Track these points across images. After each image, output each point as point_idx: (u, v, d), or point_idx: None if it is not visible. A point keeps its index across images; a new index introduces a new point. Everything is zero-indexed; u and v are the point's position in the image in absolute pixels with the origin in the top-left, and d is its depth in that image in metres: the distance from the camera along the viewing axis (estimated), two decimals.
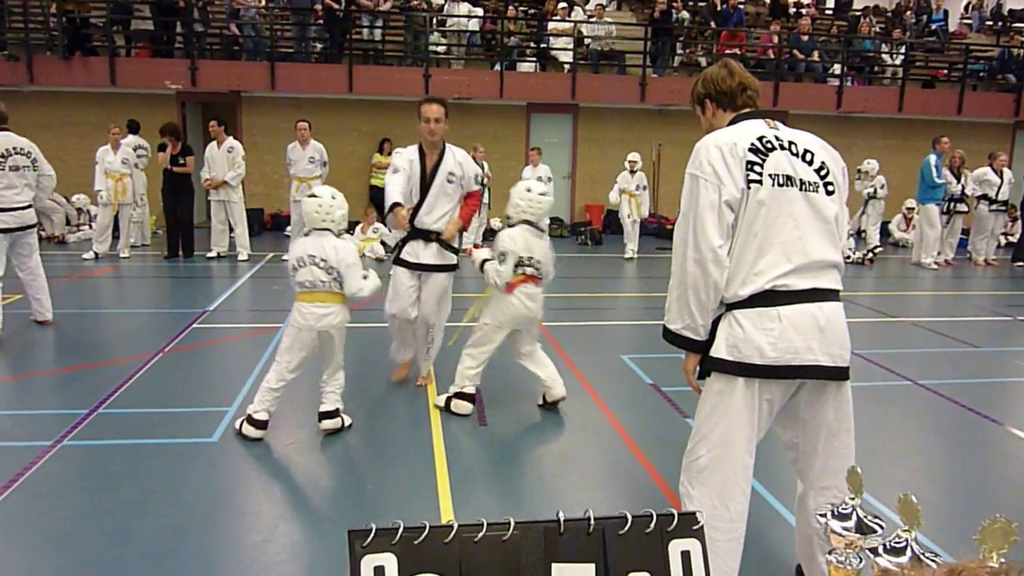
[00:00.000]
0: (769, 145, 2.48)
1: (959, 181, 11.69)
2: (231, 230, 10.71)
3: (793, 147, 2.51)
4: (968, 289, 10.27)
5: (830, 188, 2.52)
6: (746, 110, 2.65)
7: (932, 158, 11.26)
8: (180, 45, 13.49)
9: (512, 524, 1.14)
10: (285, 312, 7.39)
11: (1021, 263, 12.08)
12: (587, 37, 14.60)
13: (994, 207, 11.93)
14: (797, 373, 2.45)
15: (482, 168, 11.76)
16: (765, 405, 2.50)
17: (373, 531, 1.10)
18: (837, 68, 15.08)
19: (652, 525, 1.19)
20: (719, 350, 2.49)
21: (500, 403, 5.04)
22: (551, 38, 14.63)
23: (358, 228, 11.54)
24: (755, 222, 2.43)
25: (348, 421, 4.52)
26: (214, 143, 10.46)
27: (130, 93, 13.18)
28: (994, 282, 10.92)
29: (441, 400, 4.92)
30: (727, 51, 15.01)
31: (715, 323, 2.54)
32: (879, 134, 15.48)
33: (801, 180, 2.47)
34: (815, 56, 15.25)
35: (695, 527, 1.20)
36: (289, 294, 8.37)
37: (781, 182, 2.45)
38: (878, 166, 12.22)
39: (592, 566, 1.17)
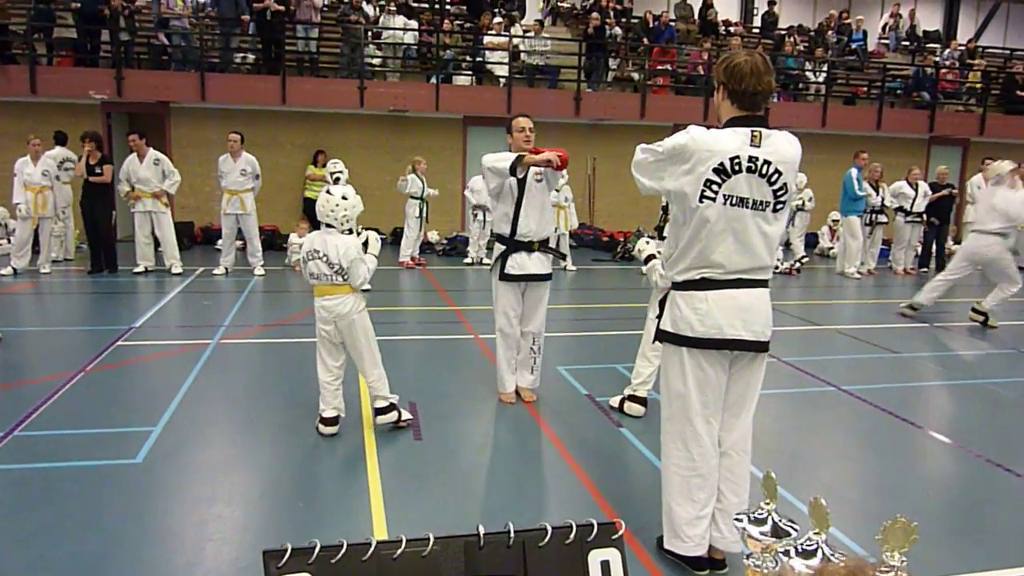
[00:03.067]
0: (738, 167, 2.79)
1: (878, 193, 12.19)
2: (156, 244, 10.42)
3: (766, 167, 2.81)
4: (888, 297, 10.68)
5: (779, 206, 2.89)
6: (745, 114, 2.88)
7: (853, 171, 11.73)
8: (105, 54, 13.09)
9: (431, 540, 1.14)
10: (215, 328, 7.26)
11: (926, 269, 12.76)
12: (523, 52, 14.74)
13: (910, 219, 12.50)
14: (722, 345, 2.93)
15: (423, 183, 11.69)
16: (709, 369, 2.97)
17: (288, 551, 1.09)
18: None
19: (572, 536, 1.21)
20: (665, 323, 3.05)
21: (436, 417, 5.02)
22: (487, 52, 14.71)
23: (292, 236, 11.37)
24: (700, 232, 2.86)
25: (407, 416, 4.79)
26: (134, 156, 10.17)
27: (52, 103, 12.72)
28: (913, 290, 11.32)
29: (615, 401, 5.19)
30: (659, 67, 15.37)
31: (663, 302, 3.12)
32: (804, 148, 15.39)
33: (754, 200, 2.83)
34: None
35: (614, 536, 1.22)
36: (219, 310, 8.20)
37: (734, 203, 2.83)
38: (805, 179, 12.64)
39: None
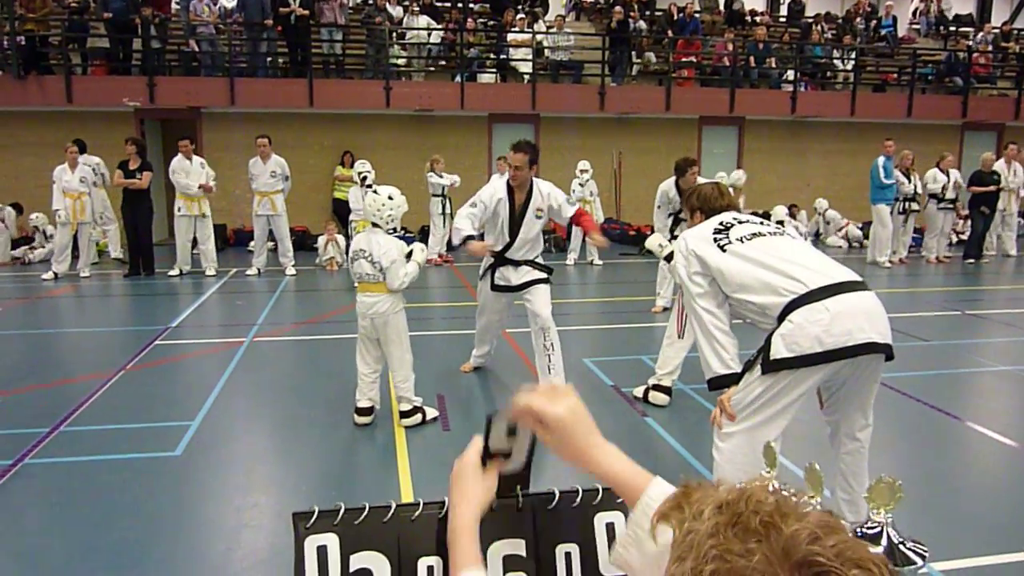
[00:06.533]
0: (730, 224, 3.08)
1: (910, 181, 12.03)
2: (193, 246, 10.65)
3: (751, 219, 3.15)
4: (920, 286, 10.57)
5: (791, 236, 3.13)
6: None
7: (881, 160, 11.60)
8: (137, 62, 13.40)
9: (446, 503, 1.23)
10: (249, 327, 7.43)
11: (972, 260, 12.46)
12: (547, 48, 14.78)
13: (942, 206, 12.31)
14: (854, 351, 2.71)
15: (442, 179, 11.81)
16: (813, 384, 2.81)
17: (316, 513, 1.18)
18: (791, 74, 15.41)
19: (578, 500, 1.29)
20: (779, 351, 2.72)
21: (464, 408, 5.12)
22: (510, 49, 14.78)
23: (320, 240, 11.55)
24: (748, 260, 2.87)
25: (432, 414, 4.85)
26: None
27: (87, 111, 13.04)
28: (945, 278, 11.25)
29: (639, 391, 5.27)
30: (683, 59, 15.31)
31: (769, 336, 2.82)
32: (832, 138, 15.84)
33: (767, 232, 3.02)
34: (770, 63, 15.60)
35: (619, 500, 1.29)
36: (253, 309, 8.38)
37: (749, 238, 2.96)
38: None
39: (523, 541, 1.26)
